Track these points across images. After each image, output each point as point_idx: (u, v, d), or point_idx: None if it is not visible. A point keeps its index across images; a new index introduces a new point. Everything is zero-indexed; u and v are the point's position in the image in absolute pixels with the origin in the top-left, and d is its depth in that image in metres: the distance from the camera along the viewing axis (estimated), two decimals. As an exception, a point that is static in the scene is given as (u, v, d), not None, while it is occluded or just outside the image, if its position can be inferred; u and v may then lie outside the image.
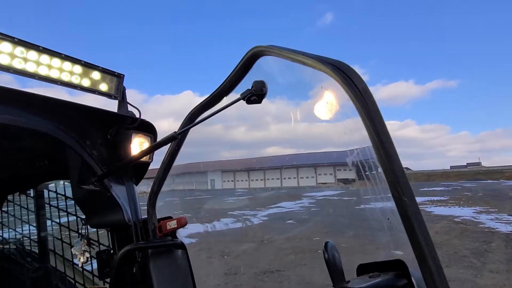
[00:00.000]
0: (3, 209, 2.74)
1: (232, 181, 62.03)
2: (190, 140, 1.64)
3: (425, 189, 31.94)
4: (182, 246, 1.62)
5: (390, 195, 0.74)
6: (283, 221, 17.43)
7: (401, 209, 0.72)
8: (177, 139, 1.38)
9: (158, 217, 1.72)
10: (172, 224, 1.59)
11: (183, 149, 1.62)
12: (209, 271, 10.39)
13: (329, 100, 0.98)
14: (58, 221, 2.41)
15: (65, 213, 2.33)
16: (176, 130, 1.39)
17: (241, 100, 1.16)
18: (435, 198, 23.86)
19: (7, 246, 2.75)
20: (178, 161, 1.67)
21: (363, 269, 1.02)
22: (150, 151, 1.45)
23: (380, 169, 0.75)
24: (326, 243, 0.94)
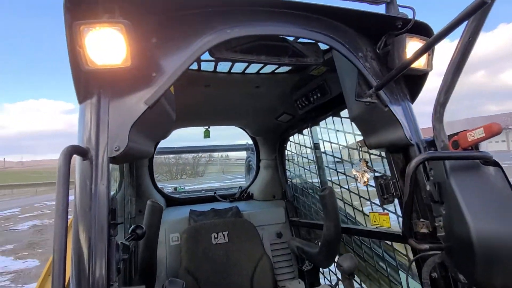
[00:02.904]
0: (287, 149, 3.36)
1: (504, 141, 48.14)
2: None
3: None
4: (495, 163, 1.22)
5: None
6: None
7: None
8: (487, 4, 0.98)
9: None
10: (476, 134, 1.22)
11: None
12: None
13: None
14: (331, 154, 2.63)
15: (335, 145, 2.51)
16: None
17: None
18: None
19: (295, 180, 3.36)
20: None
21: None
22: (427, 48, 1.16)
23: None
24: None
